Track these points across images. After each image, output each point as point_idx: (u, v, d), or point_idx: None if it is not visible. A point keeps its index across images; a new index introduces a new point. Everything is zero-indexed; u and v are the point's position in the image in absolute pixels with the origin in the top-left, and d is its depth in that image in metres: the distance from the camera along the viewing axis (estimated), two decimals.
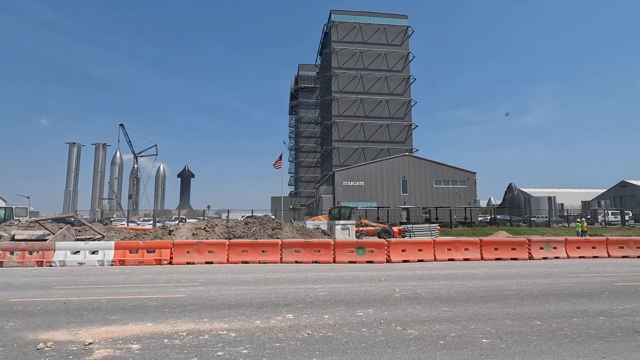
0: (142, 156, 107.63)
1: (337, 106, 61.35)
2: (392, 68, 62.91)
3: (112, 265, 12.13)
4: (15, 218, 24.55)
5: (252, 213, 40.48)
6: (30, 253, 12.26)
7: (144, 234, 16.94)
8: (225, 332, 4.94)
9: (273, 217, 23.24)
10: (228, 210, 45.64)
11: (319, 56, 76.88)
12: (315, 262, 12.56)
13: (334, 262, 12.58)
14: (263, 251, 12.74)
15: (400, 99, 62.49)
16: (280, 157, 45.15)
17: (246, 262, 12.49)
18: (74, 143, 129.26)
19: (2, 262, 11.92)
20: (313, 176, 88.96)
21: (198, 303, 6.61)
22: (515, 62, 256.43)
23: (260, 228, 16.55)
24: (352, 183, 44.26)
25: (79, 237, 16.32)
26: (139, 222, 40.09)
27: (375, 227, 28.77)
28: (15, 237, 15.38)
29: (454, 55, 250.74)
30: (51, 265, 12.05)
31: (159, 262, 12.28)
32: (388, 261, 12.69)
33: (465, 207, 42.81)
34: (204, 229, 16.75)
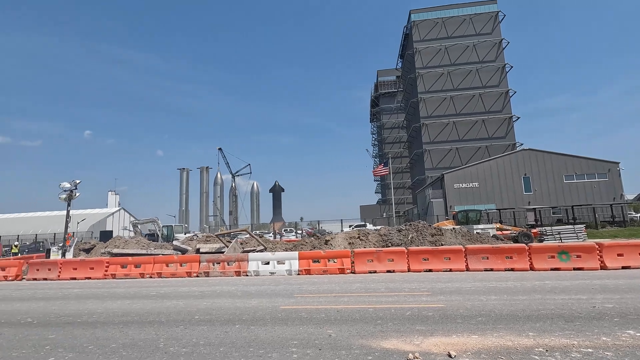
0: (238, 175, 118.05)
1: (424, 107, 58.82)
2: (483, 59, 58.26)
3: (298, 274, 12.71)
4: (174, 235, 28.25)
5: (342, 223, 40.55)
6: (228, 264, 13.57)
7: (302, 244, 17.69)
8: (591, 349, 4.33)
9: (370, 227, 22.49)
10: (318, 222, 46.85)
11: (399, 59, 75.22)
12: (510, 269, 11.45)
13: (531, 269, 11.30)
14: (446, 258, 12.09)
15: (495, 90, 57.27)
16: (385, 163, 44.50)
17: (429, 270, 11.97)
18: (184, 168, 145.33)
19: (208, 272, 13.39)
20: (401, 182, 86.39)
21: (479, 314, 6.19)
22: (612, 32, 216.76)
23: (417, 235, 15.99)
24: (464, 185, 41.37)
25: (245, 248, 17.77)
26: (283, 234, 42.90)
27: (511, 231, 26.07)
28: (200, 250, 17.38)
29: (544, 36, 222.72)
30: (247, 275, 13.14)
31: (342, 271, 12.48)
32: (602, 268, 10.93)
33: (610, 204, 36.51)
34: (358, 237, 16.83)
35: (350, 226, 35.63)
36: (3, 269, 15.39)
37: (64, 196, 18.11)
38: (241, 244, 19.15)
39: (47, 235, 47.48)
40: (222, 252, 16.72)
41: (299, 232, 44.39)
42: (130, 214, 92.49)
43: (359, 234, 17.13)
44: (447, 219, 31.40)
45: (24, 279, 15.23)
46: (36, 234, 46.63)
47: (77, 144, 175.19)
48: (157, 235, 27.40)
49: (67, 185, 18.25)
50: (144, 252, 16.94)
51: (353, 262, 12.65)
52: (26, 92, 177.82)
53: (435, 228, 16.44)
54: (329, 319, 6.24)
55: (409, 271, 12.17)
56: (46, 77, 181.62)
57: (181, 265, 14.03)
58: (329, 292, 8.96)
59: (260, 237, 20.57)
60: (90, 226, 71.65)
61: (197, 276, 13.42)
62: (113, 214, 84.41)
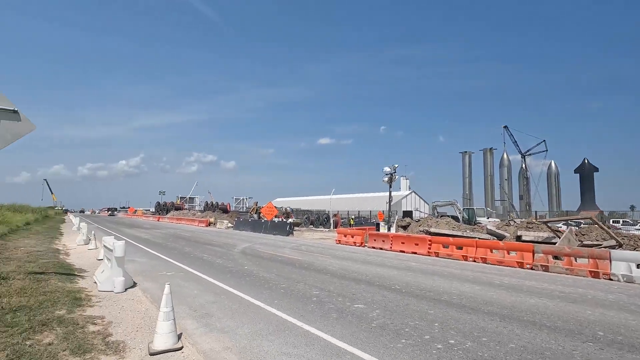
0: (529, 154, 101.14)
1: None
2: None
3: None
4: (476, 218, 27.12)
5: None
6: (576, 260, 10.65)
7: None
8: None
9: None
10: None
11: None
12: None
13: None
14: None
15: None
16: None
17: None
18: (465, 152, 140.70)
19: (547, 266, 11.08)
20: None
21: None
22: None
23: None
24: None
25: (584, 242, 13.70)
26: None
27: None
28: (522, 238, 15.15)
29: None
30: (611, 279, 9.73)
31: None
32: None
33: None
34: None
35: None
36: (352, 236, 19.78)
37: (386, 178, 20.99)
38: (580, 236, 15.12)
39: (365, 213, 59.48)
40: (553, 243, 13.71)
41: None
42: (419, 196, 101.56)
43: None
44: None
45: (365, 246, 18.88)
46: (358, 211, 59.53)
47: (375, 138, 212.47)
48: (457, 219, 27.29)
49: (387, 169, 21.05)
50: (459, 233, 16.74)
51: None
52: (340, 103, 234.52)
53: None
54: None
55: None
56: (355, 89, 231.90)
57: (509, 253, 12.49)
58: None
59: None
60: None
61: (532, 269, 11.42)
62: (406, 196, 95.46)
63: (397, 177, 20.81)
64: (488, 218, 27.17)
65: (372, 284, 8.20)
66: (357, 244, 18.91)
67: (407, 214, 42.47)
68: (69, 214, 72.38)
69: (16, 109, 7.34)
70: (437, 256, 14.59)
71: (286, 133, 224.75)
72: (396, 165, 20.85)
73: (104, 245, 8.24)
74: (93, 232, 16.10)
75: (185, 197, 78.72)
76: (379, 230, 21.42)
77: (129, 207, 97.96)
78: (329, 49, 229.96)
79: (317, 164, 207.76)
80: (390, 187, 20.94)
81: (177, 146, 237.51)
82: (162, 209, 66.61)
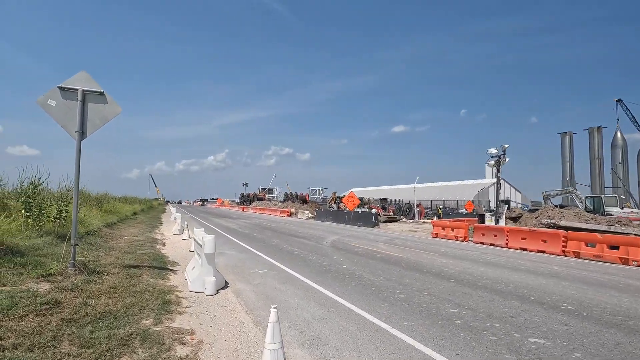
0: None
1: None
2: None
3: None
4: (604, 208, 21.96)
5: None
6: None
7: None
8: None
9: None
10: None
11: None
12: None
13: None
14: None
15: None
16: None
17: None
18: (566, 132, 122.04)
19: None
20: None
21: None
22: None
23: None
24: None
25: None
26: None
27: None
28: None
29: None
30: None
31: None
32: None
33: None
34: None
35: None
36: (452, 229, 17.13)
37: (492, 161, 17.75)
38: None
39: (450, 202, 54.56)
40: None
41: None
42: (510, 184, 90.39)
43: None
44: None
45: (469, 240, 16.12)
46: (443, 200, 54.93)
47: (454, 123, 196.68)
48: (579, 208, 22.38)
49: (494, 151, 17.76)
50: (603, 228, 13.05)
51: None
52: (414, 89, 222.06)
53: None
54: None
55: None
56: (429, 72, 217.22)
57: None
58: None
59: None
60: (474, 195, 76.67)
61: None
62: (494, 184, 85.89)
63: (507, 159, 17.41)
64: (622, 208, 21.77)
65: (526, 300, 5.95)
66: (460, 239, 16.23)
67: (504, 203, 37.29)
68: (169, 204, 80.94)
69: (102, 90, 6.77)
70: (578, 257, 11.37)
71: (358, 122, 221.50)
72: (506, 146, 17.42)
73: (194, 239, 7.44)
74: (186, 222, 16.34)
75: (265, 189, 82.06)
76: (483, 222, 18.31)
77: (217, 198, 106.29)
78: (399, 33, 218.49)
79: (390, 152, 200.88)
80: (498, 172, 17.63)
81: (256, 141, 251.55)
82: (246, 199, 70.22)
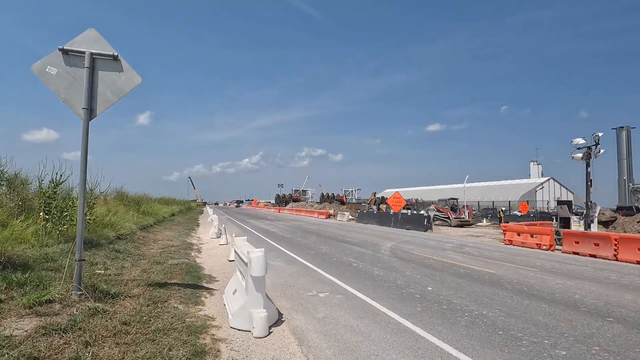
0: None
1: None
2: None
3: None
4: None
5: None
6: None
7: None
8: None
9: None
10: None
11: None
12: None
13: None
14: None
15: None
16: None
17: None
18: (622, 127, 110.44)
19: None
20: None
21: None
22: None
23: None
24: None
25: None
26: None
27: None
28: None
29: None
30: None
31: None
32: None
33: None
34: None
35: None
36: (532, 236, 14.29)
37: (579, 154, 14.71)
38: None
39: (500, 203, 50.04)
40: None
41: None
42: (560, 184, 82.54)
43: None
44: None
45: (557, 250, 13.26)
46: (492, 201, 50.60)
47: (495, 120, 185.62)
48: None
49: (581, 141, 14.71)
50: None
51: None
52: (451, 86, 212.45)
53: None
54: None
55: None
56: (468, 70, 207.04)
57: None
58: None
59: None
60: (520, 196, 70.44)
61: None
62: (542, 184, 78.55)
63: (601, 150, 14.30)
64: None
65: None
66: (545, 247, 13.39)
67: (565, 204, 32.95)
68: (206, 205, 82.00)
69: (116, 54, 5.10)
70: None
71: (392, 122, 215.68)
72: (599, 134, 14.30)
73: (236, 253, 5.57)
74: (224, 225, 14.83)
75: (298, 190, 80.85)
76: (567, 227, 15.25)
77: (252, 200, 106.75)
78: (431, 31, 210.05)
79: (426, 152, 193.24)
80: (588, 166, 14.52)
81: (290, 143, 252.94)
82: (282, 200, 69.26)
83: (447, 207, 27.88)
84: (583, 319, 4.94)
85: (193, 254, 10.57)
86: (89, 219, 9.20)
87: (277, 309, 5.00)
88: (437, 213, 27.93)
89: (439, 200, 31.18)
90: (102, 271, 6.79)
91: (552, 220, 30.02)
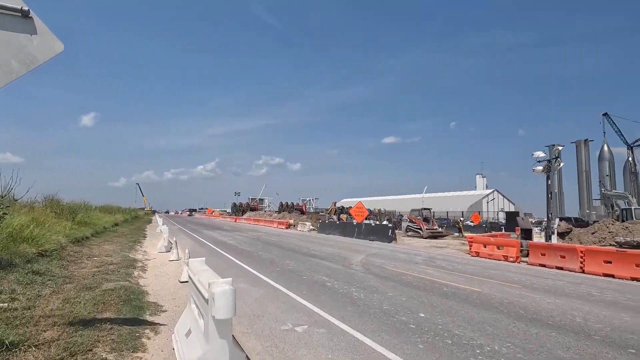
0: (638, 146, 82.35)
1: None
2: None
3: None
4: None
5: None
6: None
7: None
8: None
9: None
10: None
11: None
12: None
13: None
14: None
15: None
16: None
17: None
18: (553, 145, 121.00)
19: None
20: None
21: None
22: None
23: None
24: None
25: None
26: None
27: None
28: None
29: None
30: None
31: None
32: None
33: None
34: None
35: None
36: (498, 247, 14.26)
37: (540, 167, 15.05)
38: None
39: (452, 214, 51.84)
40: None
41: None
42: (504, 195, 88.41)
43: None
44: None
45: (522, 262, 13.26)
46: (447, 212, 52.29)
47: (445, 135, 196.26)
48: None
49: (541, 154, 15.09)
50: None
51: None
52: (409, 101, 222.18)
53: None
54: None
55: None
56: (424, 85, 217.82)
57: None
58: None
59: None
60: (469, 207, 74.24)
61: None
62: (487, 195, 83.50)
63: (561, 163, 14.72)
64: None
65: None
66: (511, 259, 13.34)
67: (513, 215, 34.70)
68: (156, 214, 76.55)
69: (26, 8, 3.71)
70: None
71: (351, 134, 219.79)
72: (560, 147, 14.75)
73: (193, 284, 4.25)
74: (174, 238, 13.09)
75: (255, 198, 78.46)
76: (529, 238, 15.48)
77: (207, 208, 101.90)
78: (393, 46, 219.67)
79: (381, 163, 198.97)
80: (548, 179, 14.89)
81: (247, 151, 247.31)
82: (239, 209, 66.54)
83: (419, 217, 27.78)
84: (606, 352, 4.32)
85: (136, 273, 8.89)
86: None
87: (247, 357, 3.81)
88: (409, 224, 27.78)
89: (412, 211, 31.11)
90: (5, 304, 5.11)
91: (501, 230, 31.41)
